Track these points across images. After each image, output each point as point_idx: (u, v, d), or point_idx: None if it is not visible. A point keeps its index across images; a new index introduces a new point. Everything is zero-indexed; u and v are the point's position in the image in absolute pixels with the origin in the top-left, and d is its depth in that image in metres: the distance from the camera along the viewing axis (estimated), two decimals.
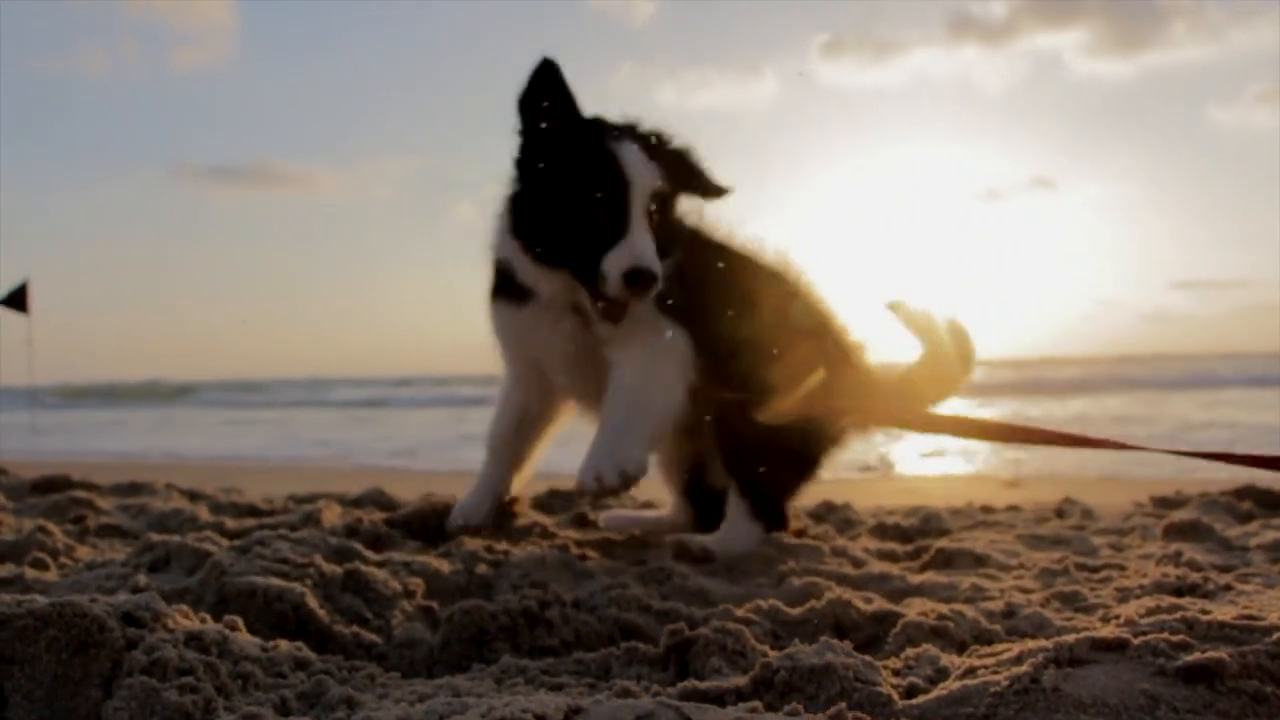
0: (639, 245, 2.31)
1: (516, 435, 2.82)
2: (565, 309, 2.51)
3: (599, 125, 2.44)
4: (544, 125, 2.41)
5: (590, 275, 2.35)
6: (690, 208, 2.60)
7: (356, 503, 3.42)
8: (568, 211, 2.37)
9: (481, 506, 2.79)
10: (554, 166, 2.40)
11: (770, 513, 2.66)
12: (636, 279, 2.29)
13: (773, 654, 1.44)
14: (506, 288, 2.59)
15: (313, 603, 1.86)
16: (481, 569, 2.23)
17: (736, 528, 2.59)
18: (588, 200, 2.34)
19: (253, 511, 3.37)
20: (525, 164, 2.48)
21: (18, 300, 11.92)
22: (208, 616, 1.67)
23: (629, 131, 2.44)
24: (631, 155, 2.36)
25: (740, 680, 1.40)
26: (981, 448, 7.52)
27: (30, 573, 2.15)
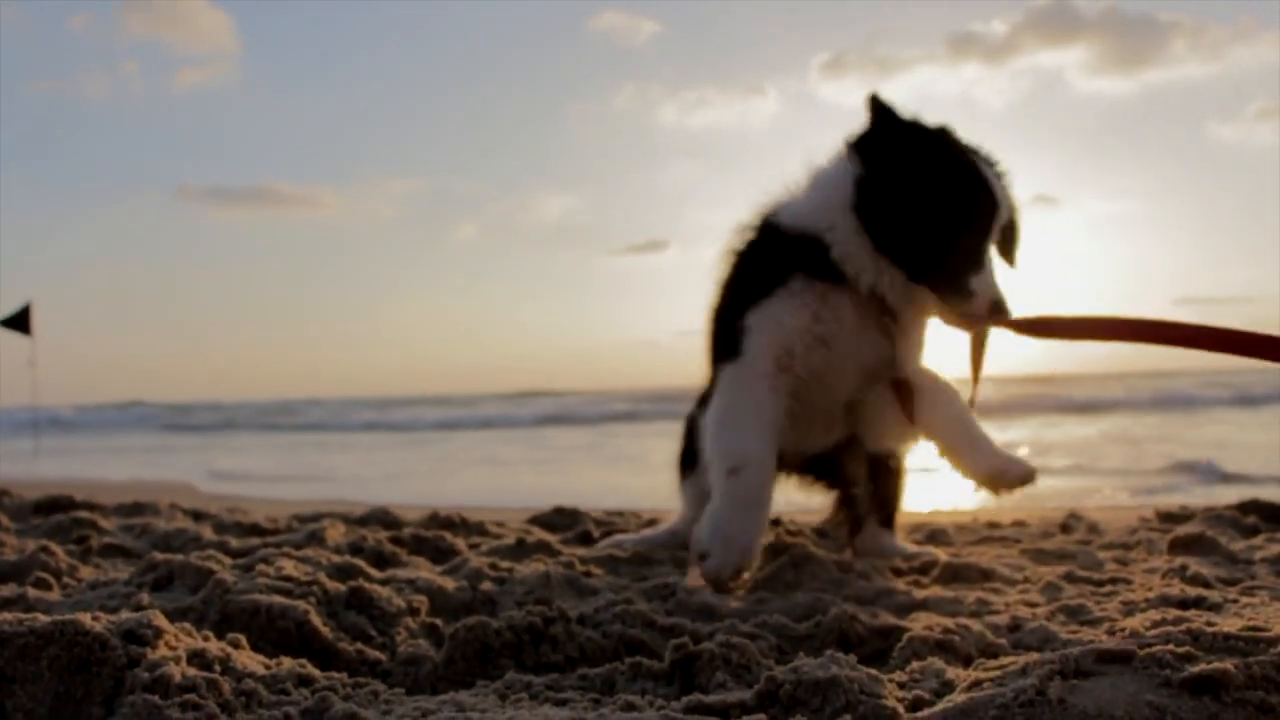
0: (996, 275, 2.45)
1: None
2: (877, 317, 2.49)
3: (970, 150, 2.46)
4: (915, 139, 2.41)
5: (956, 291, 2.41)
6: None
7: (361, 521, 3.42)
8: (946, 230, 2.39)
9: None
10: (932, 183, 2.39)
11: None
12: (1000, 308, 2.41)
13: (778, 668, 1.44)
14: (823, 273, 2.46)
15: (316, 620, 1.86)
16: (485, 586, 2.23)
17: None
18: (969, 223, 2.40)
19: (256, 531, 3.37)
20: (891, 172, 2.41)
21: (21, 322, 11.96)
22: (210, 635, 1.67)
23: (988, 159, 2.49)
24: (1001, 185, 2.45)
25: (745, 694, 1.39)
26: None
27: (33, 592, 2.15)
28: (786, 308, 2.45)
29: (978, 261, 2.41)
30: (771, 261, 2.51)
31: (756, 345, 2.46)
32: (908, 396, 2.53)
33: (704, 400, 2.99)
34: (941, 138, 2.44)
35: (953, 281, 2.40)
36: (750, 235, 2.62)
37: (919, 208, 2.38)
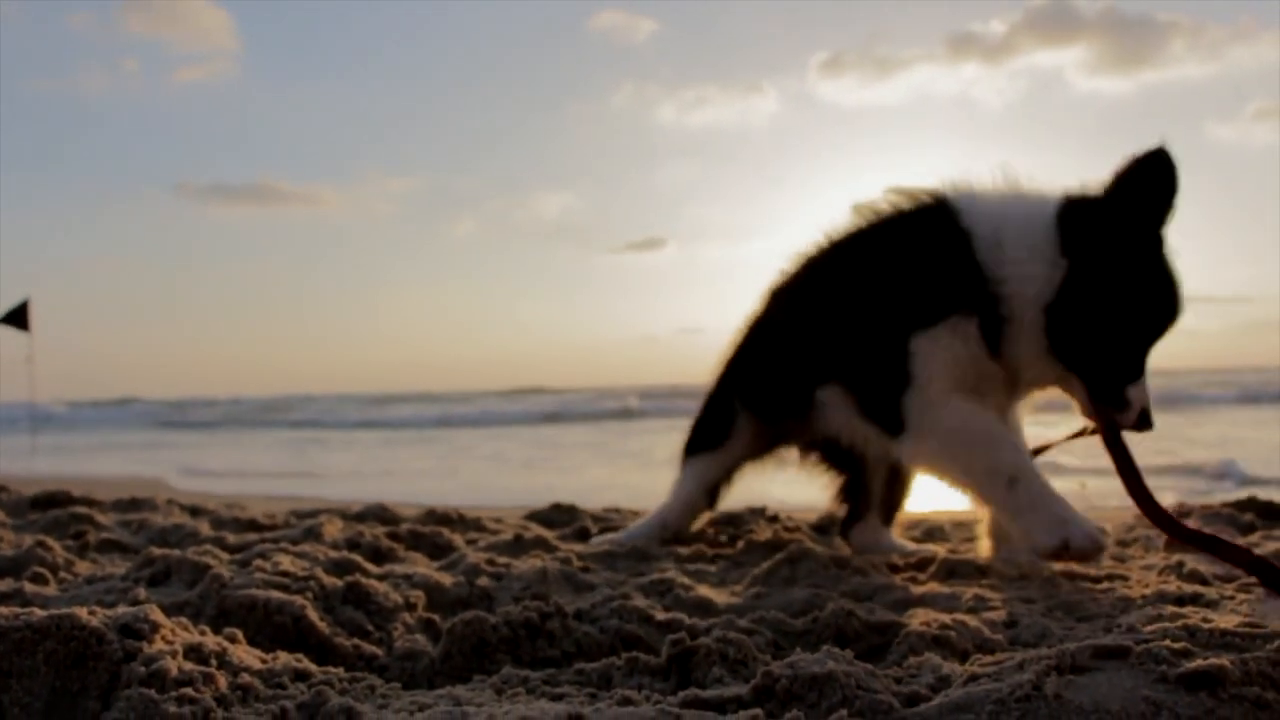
0: (1148, 383, 2.36)
1: None
2: (1007, 380, 2.47)
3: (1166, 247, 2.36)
4: (1143, 226, 2.33)
5: (1108, 392, 2.35)
6: None
7: (358, 517, 3.41)
8: (1132, 335, 2.34)
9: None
10: (1136, 274, 2.33)
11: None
12: (1146, 423, 2.36)
13: (774, 663, 1.44)
14: (990, 322, 2.39)
15: (313, 615, 1.86)
16: (483, 581, 2.23)
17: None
18: (1154, 331, 2.36)
19: (254, 526, 3.37)
20: (1099, 261, 2.32)
21: (18, 318, 11.96)
22: (207, 629, 1.67)
23: None
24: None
25: (741, 689, 1.39)
26: None
27: (29, 587, 2.15)
28: (956, 342, 2.40)
29: (1141, 369, 2.37)
30: (946, 278, 2.42)
31: (931, 373, 2.41)
32: None
33: (728, 374, 2.99)
34: (1158, 234, 2.35)
35: (1113, 386, 2.35)
36: (928, 229, 2.50)
37: (1117, 305, 2.31)
